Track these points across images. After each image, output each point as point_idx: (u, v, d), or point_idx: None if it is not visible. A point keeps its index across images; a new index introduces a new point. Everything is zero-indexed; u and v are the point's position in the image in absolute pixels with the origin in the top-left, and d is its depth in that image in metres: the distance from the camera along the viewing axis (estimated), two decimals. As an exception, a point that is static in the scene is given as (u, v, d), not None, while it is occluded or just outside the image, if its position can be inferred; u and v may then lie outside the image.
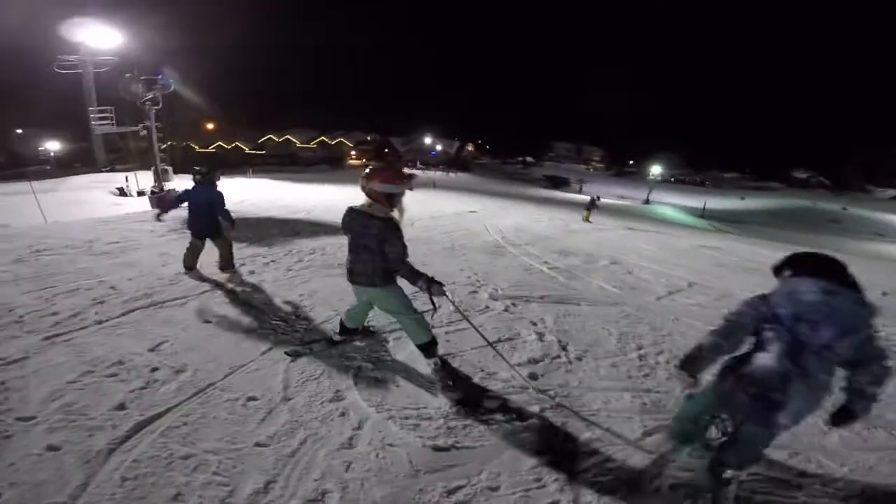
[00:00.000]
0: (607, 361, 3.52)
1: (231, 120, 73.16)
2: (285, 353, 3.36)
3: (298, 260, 6.36)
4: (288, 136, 74.03)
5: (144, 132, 16.61)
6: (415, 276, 2.81)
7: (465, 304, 4.67)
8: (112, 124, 17.06)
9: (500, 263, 6.81)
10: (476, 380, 3.16)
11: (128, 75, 15.26)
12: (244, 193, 18.24)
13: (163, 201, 14.17)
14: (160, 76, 15.47)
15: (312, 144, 73.31)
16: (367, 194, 2.79)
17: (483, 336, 3.32)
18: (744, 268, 8.41)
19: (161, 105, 16.25)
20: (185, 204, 5.29)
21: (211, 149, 69.49)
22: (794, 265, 1.95)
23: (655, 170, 59.45)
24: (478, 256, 7.25)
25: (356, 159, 68.08)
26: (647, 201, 47.41)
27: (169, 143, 51.68)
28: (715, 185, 71.05)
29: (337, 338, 3.50)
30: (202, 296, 4.66)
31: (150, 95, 15.43)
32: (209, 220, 5.38)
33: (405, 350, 3.47)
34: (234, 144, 71.10)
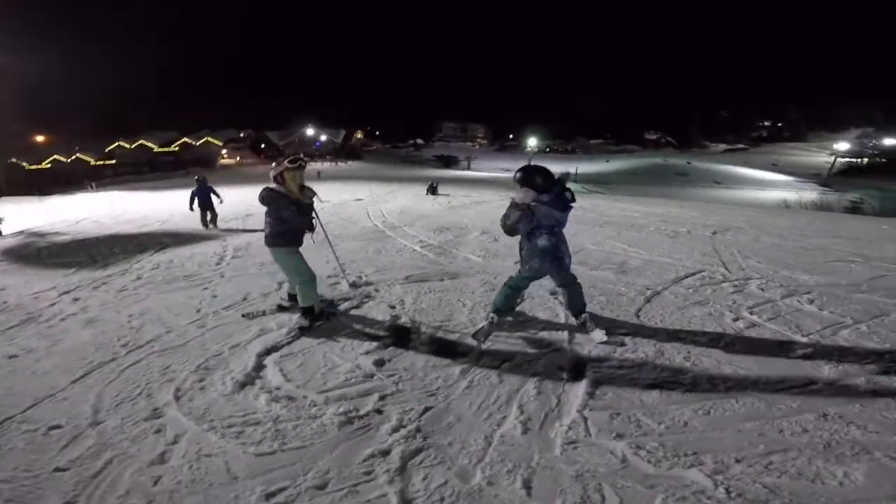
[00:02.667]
0: (455, 335, 3.55)
1: (68, 130, 63.16)
2: (242, 315, 4.07)
3: (137, 278, 5.59)
4: (142, 141, 65.67)
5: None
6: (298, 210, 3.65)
7: (325, 298, 4.49)
8: None
9: (371, 249, 6.68)
10: (318, 376, 3.00)
11: None
12: (86, 211, 15.79)
13: None
14: None
15: (174, 147, 65.75)
16: (273, 180, 3.64)
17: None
18: (600, 223, 9.27)
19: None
20: None
21: (46, 164, 59.39)
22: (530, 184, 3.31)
23: (532, 142, 63.48)
24: (350, 245, 7.02)
25: (229, 158, 62.81)
26: (527, 171, 50.44)
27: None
28: (584, 152, 78.10)
29: (286, 303, 4.15)
30: (9, 331, 4.05)
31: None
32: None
33: (239, 358, 3.26)
34: (74, 157, 61.26)
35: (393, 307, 4.17)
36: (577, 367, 2.97)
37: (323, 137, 67.59)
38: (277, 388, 2.86)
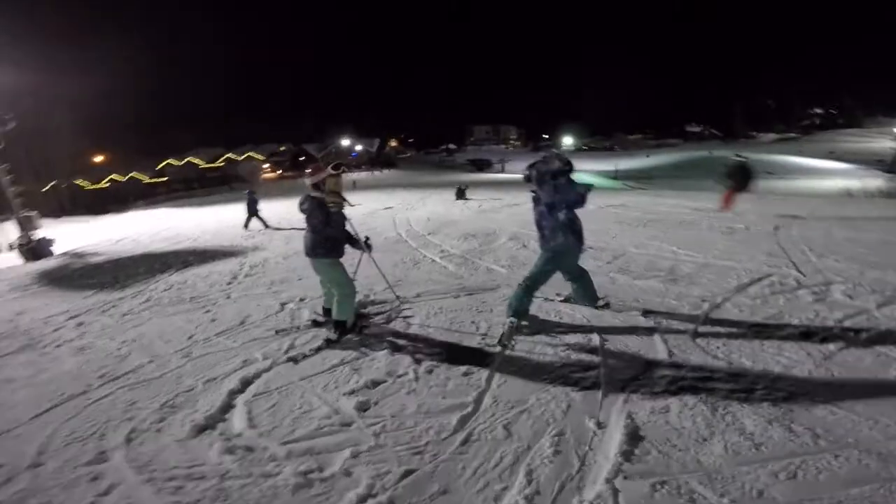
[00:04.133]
0: (461, 369, 2.96)
1: (123, 149, 67.14)
2: (276, 331, 3.85)
3: (146, 300, 5.40)
4: (189, 159, 68.92)
5: (-10, 177, 14.14)
6: (351, 240, 3.80)
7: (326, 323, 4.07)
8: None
9: (388, 262, 6.21)
10: (288, 421, 2.53)
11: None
12: (129, 230, 16.40)
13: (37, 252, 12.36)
14: None
15: (219, 163, 68.56)
16: (310, 189, 3.55)
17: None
18: (643, 221, 8.41)
19: (2, 144, 13.88)
20: None
21: (104, 183, 63.36)
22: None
23: (567, 141, 61.72)
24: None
25: (270, 172, 64.79)
26: (565, 171, 49.30)
27: (52, 183, 46.28)
28: (623, 148, 75.05)
29: (320, 318, 4.00)
30: (3, 358, 4.00)
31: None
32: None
33: (210, 395, 2.88)
34: (129, 176, 64.95)
35: (395, 332, 3.66)
36: (609, 410, 2.34)
37: (358, 147, 68.66)
38: (238, 435, 2.47)
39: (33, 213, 15.76)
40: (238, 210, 15.26)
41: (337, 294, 3.57)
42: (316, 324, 3.94)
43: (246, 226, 11.88)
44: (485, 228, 8.50)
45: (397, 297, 4.42)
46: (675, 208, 10.56)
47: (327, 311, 3.87)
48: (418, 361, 3.09)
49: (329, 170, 3.56)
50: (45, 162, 42.04)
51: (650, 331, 3.30)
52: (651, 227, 7.80)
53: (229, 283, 5.76)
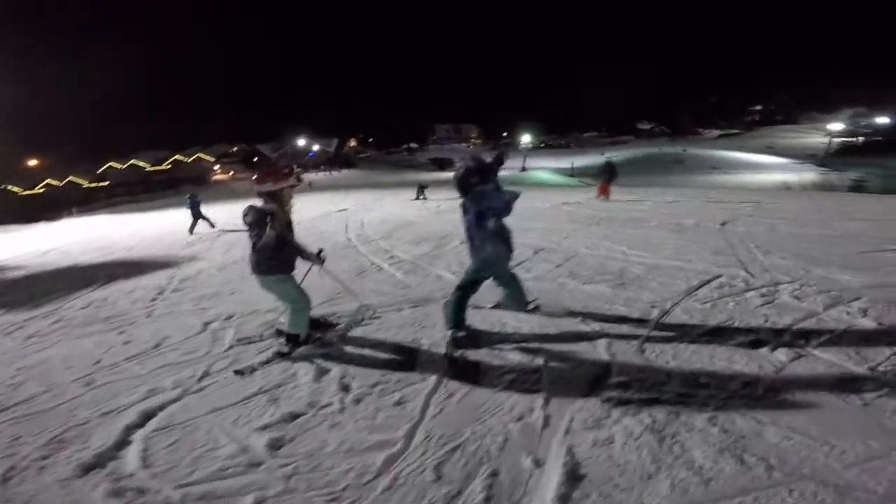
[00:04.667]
0: (393, 397, 2.65)
1: (59, 153, 62.72)
2: (234, 371, 3.14)
3: (57, 320, 4.80)
4: (133, 161, 65.21)
5: None
6: (300, 251, 3.37)
7: (244, 339, 3.73)
8: None
9: (333, 270, 5.83)
10: (188, 460, 2.21)
11: None
12: (61, 239, 15.11)
13: None
14: None
15: (165, 166, 65.25)
16: (259, 195, 3.17)
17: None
18: (596, 220, 8.41)
19: None
20: None
21: (38, 189, 58.89)
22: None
23: (525, 138, 62.37)
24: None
25: (222, 173, 62.16)
26: (523, 169, 49.82)
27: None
28: (578, 146, 76.76)
29: (284, 328, 3.44)
30: None
31: None
32: None
33: (105, 430, 2.43)
34: (67, 180, 60.67)
35: (325, 354, 3.30)
36: (549, 444, 2.11)
37: (315, 147, 66.96)
38: (129, 476, 2.14)
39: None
40: (182, 215, 14.40)
41: (290, 309, 3.27)
42: (280, 332, 3.57)
43: (191, 230, 11.53)
44: (439, 231, 8.23)
45: (362, 306, 4.17)
46: (627, 205, 10.72)
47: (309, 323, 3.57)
48: (346, 389, 2.76)
49: (293, 179, 3.20)
50: None
51: (597, 344, 3.11)
52: (603, 225, 7.79)
53: (153, 300, 5.22)
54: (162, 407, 2.72)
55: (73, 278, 7.27)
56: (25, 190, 58.17)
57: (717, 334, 3.16)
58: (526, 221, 8.60)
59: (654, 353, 2.92)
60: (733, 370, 2.66)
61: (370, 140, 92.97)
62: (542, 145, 76.96)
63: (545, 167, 51.68)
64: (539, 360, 2.92)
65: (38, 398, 3.01)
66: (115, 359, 3.53)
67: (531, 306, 3.70)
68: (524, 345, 3.18)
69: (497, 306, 3.85)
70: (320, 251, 3.46)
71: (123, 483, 2.08)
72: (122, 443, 2.39)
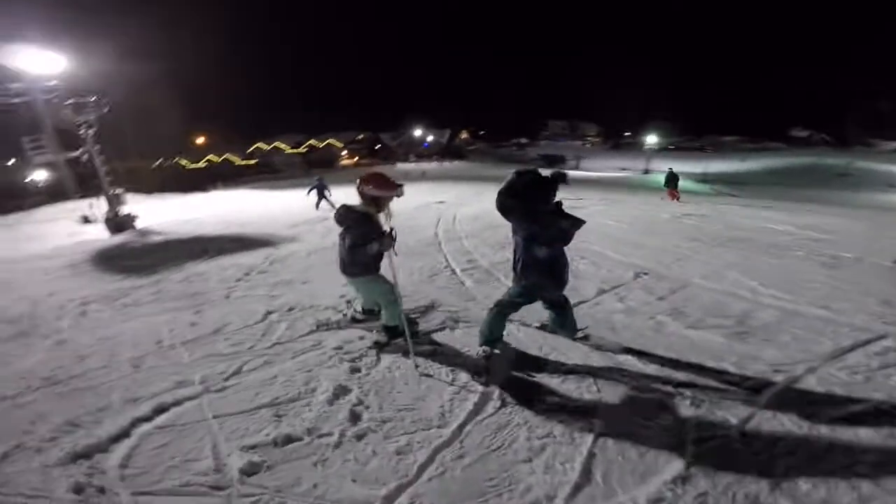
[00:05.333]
0: (398, 442, 2.24)
1: (220, 132, 72.71)
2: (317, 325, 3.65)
3: (156, 292, 5.24)
4: (276, 144, 73.18)
5: (86, 156, 15.60)
6: (371, 245, 3.04)
7: (288, 338, 3.58)
8: (48, 152, 16.04)
9: (406, 269, 5.58)
10: (162, 468, 2.11)
11: (59, 101, 14.31)
12: (203, 209, 17.45)
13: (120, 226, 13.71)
14: (93, 99, 14.52)
15: (302, 149, 72.20)
16: (360, 195, 3.12)
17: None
18: (724, 240, 7.02)
19: (97, 128, 15.25)
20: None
21: (202, 163, 69.00)
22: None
23: (651, 139, 57.01)
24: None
25: (348, 159, 67.08)
26: (646, 171, 45.98)
27: (158, 161, 51.33)
28: (715, 150, 68.50)
29: (360, 316, 3.76)
30: None
31: (81, 119, 14.46)
32: None
33: (115, 420, 2.38)
34: (223, 157, 70.22)
35: (356, 370, 3.00)
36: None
37: (430, 138, 69.11)
38: (102, 473, 2.12)
39: (120, 191, 17.33)
40: (304, 195, 15.65)
41: (384, 305, 3.33)
42: (355, 321, 3.75)
43: (317, 206, 13.78)
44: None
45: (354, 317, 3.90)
46: (768, 223, 8.88)
47: (367, 311, 3.73)
48: (355, 418, 2.45)
49: (398, 191, 3.16)
50: (152, 142, 46.41)
51: (679, 418, 2.33)
52: (732, 248, 6.44)
53: (238, 280, 5.47)
54: (177, 403, 2.69)
55: (191, 249, 8.08)
56: (192, 164, 68.55)
57: (863, 422, 2.21)
58: (635, 234, 7.56)
59: (761, 444, 2.09)
60: (882, 487, 1.76)
61: (481, 133, 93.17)
62: (672, 147, 70.04)
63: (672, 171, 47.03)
64: (588, 425, 2.29)
65: (90, 374, 3.16)
66: (174, 340, 3.65)
67: (580, 334, 3.31)
68: (573, 395, 2.57)
69: (543, 327, 3.51)
70: (391, 230, 3.13)
71: (93, 479, 2.07)
72: (122, 435, 2.39)
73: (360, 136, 72.71)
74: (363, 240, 3.02)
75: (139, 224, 14.35)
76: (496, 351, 3.11)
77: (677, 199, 15.43)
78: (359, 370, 3.00)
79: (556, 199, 2.86)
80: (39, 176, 47.31)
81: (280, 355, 3.27)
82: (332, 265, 6.02)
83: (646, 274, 4.95)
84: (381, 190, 3.12)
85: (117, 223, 14.36)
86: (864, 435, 2.14)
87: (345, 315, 3.91)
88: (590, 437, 2.21)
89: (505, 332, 3.23)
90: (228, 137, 71.75)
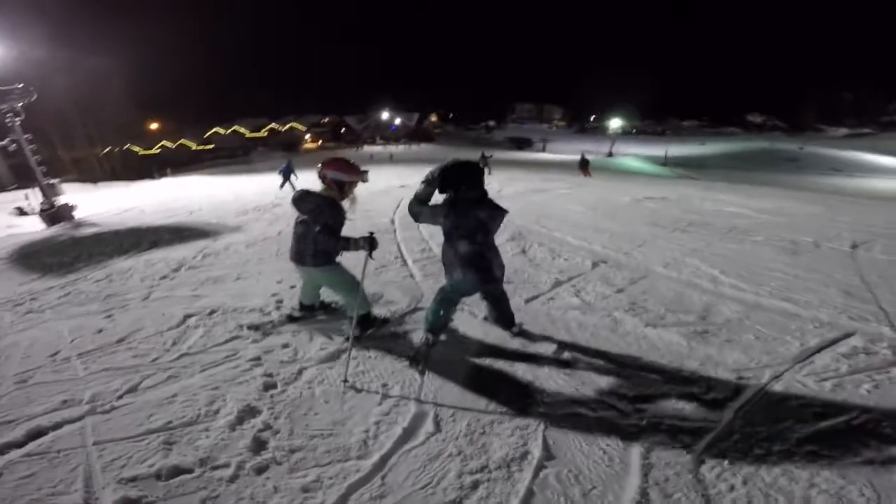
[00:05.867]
0: (306, 476, 1.89)
1: (174, 117, 68.98)
2: (246, 326, 3.33)
3: (66, 294, 4.60)
4: (235, 128, 70.12)
5: (13, 146, 14.23)
6: (346, 242, 2.86)
7: (201, 348, 3.12)
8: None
9: (354, 257, 5.17)
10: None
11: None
12: (149, 197, 16.35)
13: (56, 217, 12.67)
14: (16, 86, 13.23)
15: (263, 133, 69.52)
16: (322, 180, 2.99)
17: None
18: (684, 224, 6.92)
19: (23, 116, 13.93)
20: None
21: (155, 150, 65.38)
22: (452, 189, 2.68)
23: (615, 123, 57.88)
24: None
25: (312, 142, 65.08)
26: (610, 154, 46.75)
27: (108, 148, 48.26)
28: (675, 134, 70.09)
29: (297, 313, 3.49)
30: None
31: (5, 108, 13.14)
32: None
33: None
34: (179, 143, 66.73)
35: (270, 386, 2.59)
36: None
37: (398, 121, 67.86)
38: None
39: (56, 181, 16.05)
40: (254, 182, 14.84)
41: (344, 297, 3.20)
42: (291, 319, 3.46)
43: (281, 187, 14.32)
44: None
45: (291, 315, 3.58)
46: (726, 206, 8.91)
47: (304, 307, 3.46)
48: (260, 446, 2.07)
49: (364, 177, 3.07)
50: (101, 129, 43.53)
51: (631, 444, 2.06)
52: (692, 233, 6.33)
53: (163, 278, 4.90)
54: (56, 426, 2.28)
55: (121, 241, 7.35)
56: (144, 150, 64.78)
57: (835, 442, 1.99)
58: (596, 218, 7.39)
59: (718, 474, 1.84)
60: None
61: (450, 116, 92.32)
62: (634, 131, 71.29)
63: (635, 154, 47.93)
64: (526, 453, 2.00)
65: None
66: (72, 351, 3.13)
67: (515, 329, 3.13)
68: (516, 409, 2.30)
69: (486, 319, 3.34)
70: (371, 234, 2.88)
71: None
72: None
73: (325, 119, 70.61)
74: (334, 229, 2.87)
75: (77, 215, 13.33)
76: (442, 338, 2.99)
77: (589, 175, 18.99)
78: (274, 386, 2.59)
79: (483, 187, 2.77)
80: (-27, 164, 43.65)
81: (187, 368, 2.82)
82: (271, 258, 5.69)
83: (604, 262, 4.72)
84: (345, 174, 2.96)
85: (52, 215, 13.29)
86: (833, 453, 1.93)
87: (271, 323, 3.47)
88: (529, 471, 1.90)
89: (452, 320, 3.12)
90: (184, 122, 68.24)
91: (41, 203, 13.87)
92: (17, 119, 13.45)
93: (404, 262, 5.02)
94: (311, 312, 3.47)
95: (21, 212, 16.83)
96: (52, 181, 15.54)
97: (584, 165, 20.57)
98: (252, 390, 2.54)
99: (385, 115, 67.21)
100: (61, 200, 13.91)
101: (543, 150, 54.04)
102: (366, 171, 3.07)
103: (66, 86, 32.88)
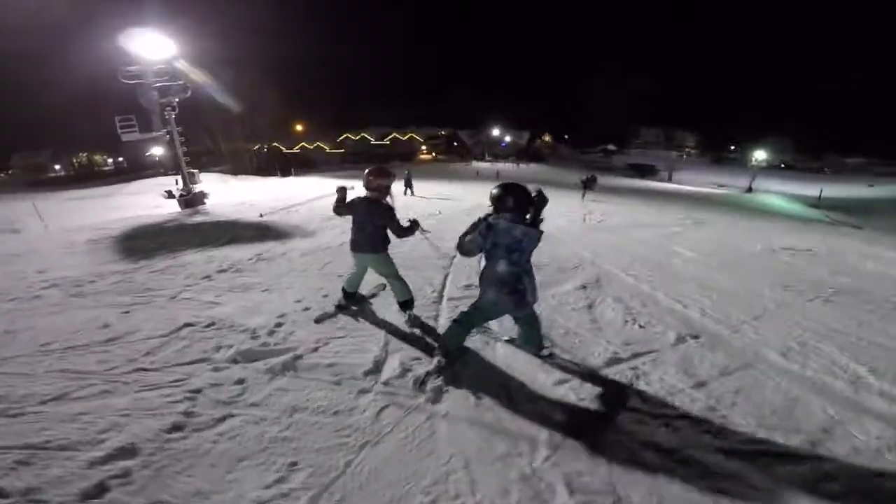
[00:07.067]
0: None
1: (313, 121, 76.61)
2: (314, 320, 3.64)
3: (118, 282, 4.82)
4: (363, 134, 75.62)
5: (167, 137, 16.61)
6: (406, 230, 3.63)
7: (163, 363, 2.75)
8: (136, 131, 17.27)
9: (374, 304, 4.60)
10: None
11: (142, 83, 15.28)
12: (266, 193, 17.95)
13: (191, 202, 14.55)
14: (176, 83, 15.43)
15: (386, 141, 74.07)
16: (368, 188, 3.61)
17: None
18: (827, 293, 5.12)
19: (177, 110, 16.17)
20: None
21: (296, 149, 73.01)
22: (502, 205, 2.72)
23: (760, 155, 50.54)
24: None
25: (427, 153, 67.76)
26: (749, 189, 41.08)
27: (258, 144, 54.90)
28: (835, 171, 59.54)
29: (343, 303, 3.98)
30: None
31: (164, 102, 15.41)
32: None
33: None
34: (315, 144, 73.88)
35: (177, 427, 2.16)
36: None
37: (508, 138, 67.66)
38: None
39: (195, 171, 18.38)
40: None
41: (394, 280, 3.74)
42: (339, 308, 3.96)
43: (404, 193, 16.04)
44: (572, 257, 6.28)
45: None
46: (894, 269, 6.65)
47: (347, 295, 3.99)
48: (95, 493, 1.79)
49: (392, 179, 3.70)
50: (255, 126, 49.38)
51: None
52: (838, 305, 4.65)
53: (205, 278, 4.89)
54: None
55: (209, 234, 7.81)
56: (287, 149, 72.81)
57: None
58: (707, 270, 5.92)
59: None
60: None
61: (566, 137, 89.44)
62: (782, 165, 62.04)
63: (781, 191, 41.25)
64: None
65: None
66: (63, 344, 3.17)
67: (545, 351, 3.15)
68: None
69: (511, 341, 3.32)
70: (414, 221, 3.72)
71: None
72: None
73: (442, 132, 73.00)
74: (394, 219, 3.55)
75: (210, 201, 15.19)
76: (443, 362, 2.91)
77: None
78: (180, 429, 2.23)
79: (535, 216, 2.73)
80: (157, 151, 52.93)
81: (127, 386, 2.59)
82: (314, 272, 5.29)
83: (695, 338, 3.54)
84: (387, 180, 3.62)
85: (188, 200, 15.23)
86: None
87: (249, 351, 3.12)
88: None
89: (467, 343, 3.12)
90: (322, 126, 75.01)
91: (180, 189, 15.96)
92: (174, 113, 15.65)
93: (440, 298, 4.38)
94: (351, 301, 3.98)
95: (170, 195, 19.59)
96: (193, 170, 17.83)
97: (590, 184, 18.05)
98: (154, 428, 2.21)
99: (496, 132, 67.38)
100: (198, 188, 15.88)
101: (669, 179, 49.53)
102: (394, 175, 3.71)
103: (228, 85, 38.21)
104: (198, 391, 2.54)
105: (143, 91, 15.36)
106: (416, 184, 17.48)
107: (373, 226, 3.57)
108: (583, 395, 2.67)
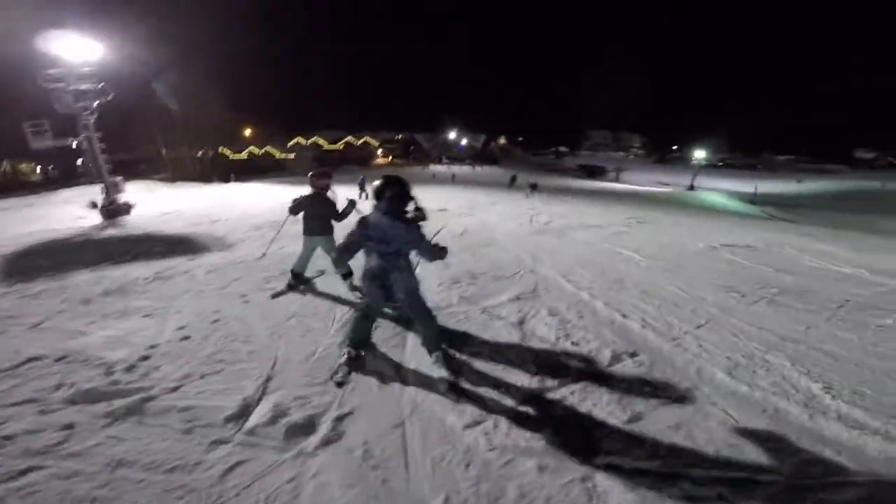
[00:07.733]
0: None
1: (263, 125, 73.63)
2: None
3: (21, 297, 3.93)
4: (315, 139, 73.50)
5: (84, 144, 15.04)
6: (344, 214, 4.49)
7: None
8: (48, 138, 15.56)
9: (299, 313, 4.04)
10: None
11: (56, 87, 13.79)
12: (197, 202, 16.73)
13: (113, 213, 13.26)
14: (97, 86, 14.02)
15: (339, 145, 72.36)
16: (313, 187, 4.56)
17: None
18: (773, 289, 5.02)
19: (96, 115, 14.71)
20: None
21: (243, 155, 69.85)
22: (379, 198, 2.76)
23: (700, 154, 53.13)
24: (292, 297, 4.59)
25: (383, 157, 66.75)
26: (691, 187, 42.99)
27: (202, 150, 51.79)
28: (768, 169, 63.68)
29: (292, 282, 4.69)
30: None
31: (81, 105, 13.97)
32: None
33: None
34: (264, 150, 71.01)
35: None
36: None
37: (464, 141, 68.00)
38: None
39: (118, 179, 16.81)
40: (287, 193, 14.51)
41: (334, 253, 4.14)
42: (290, 287, 4.63)
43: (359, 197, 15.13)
44: (512, 262, 5.90)
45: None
46: (832, 263, 6.68)
47: (295, 275, 4.67)
48: None
49: (331, 180, 4.71)
50: (200, 131, 46.51)
51: None
52: (784, 307, 4.47)
53: (84, 303, 4.15)
54: None
55: (115, 249, 6.92)
56: (234, 154, 69.53)
57: None
58: (651, 274, 5.68)
59: None
60: None
61: (519, 139, 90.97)
62: (721, 164, 65.63)
63: (719, 189, 43.50)
64: None
65: None
66: None
67: (433, 359, 2.88)
68: None
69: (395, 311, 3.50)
70: (351, 202, 4.57)
71: None
72: None
73: (399, 137, 72.15)
74: (338, 210, 4.48)
75: (134, 212, 13.99)
76: (353, 353, 2.99)
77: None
78: None
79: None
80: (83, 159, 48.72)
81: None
82: (213, 293, 4.55)
83: (633, 356, 3.17)
84: (325, 179, 4.60)
85: (110, 210, 13.98)
86: None
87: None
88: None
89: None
90: (272, 130, 72.23)
91: (103, 199, 14.52)
92: (92, 117, 14.19)
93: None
94: (300, 281, 4.69)
95: (94, 205, 17.93)
96: (116, 179, 16.30)
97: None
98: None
99: (452, 135, 67.54)
100: (122, 199, 14.50)
101: (616, 179, 51.13)
102: (331, 177, 4.72)
103: (170, 88, 35.81)
104: (8, 438, 1.98)
105: (57, 95, 13.89)
106: (370, 188, 16.65)
107: (320, 215, 4.45)
108: (496, 441, 2.21)
